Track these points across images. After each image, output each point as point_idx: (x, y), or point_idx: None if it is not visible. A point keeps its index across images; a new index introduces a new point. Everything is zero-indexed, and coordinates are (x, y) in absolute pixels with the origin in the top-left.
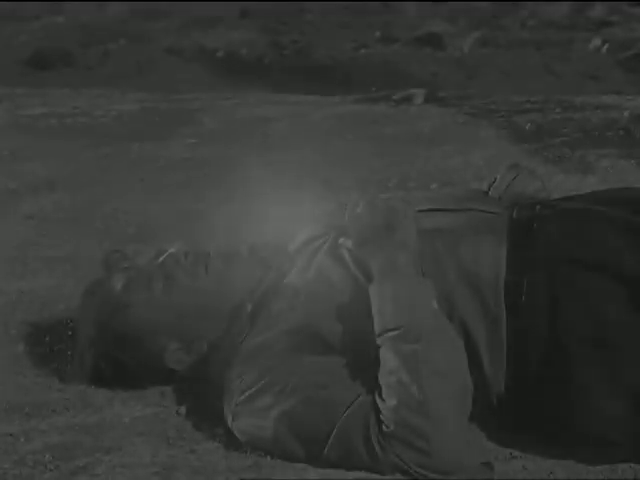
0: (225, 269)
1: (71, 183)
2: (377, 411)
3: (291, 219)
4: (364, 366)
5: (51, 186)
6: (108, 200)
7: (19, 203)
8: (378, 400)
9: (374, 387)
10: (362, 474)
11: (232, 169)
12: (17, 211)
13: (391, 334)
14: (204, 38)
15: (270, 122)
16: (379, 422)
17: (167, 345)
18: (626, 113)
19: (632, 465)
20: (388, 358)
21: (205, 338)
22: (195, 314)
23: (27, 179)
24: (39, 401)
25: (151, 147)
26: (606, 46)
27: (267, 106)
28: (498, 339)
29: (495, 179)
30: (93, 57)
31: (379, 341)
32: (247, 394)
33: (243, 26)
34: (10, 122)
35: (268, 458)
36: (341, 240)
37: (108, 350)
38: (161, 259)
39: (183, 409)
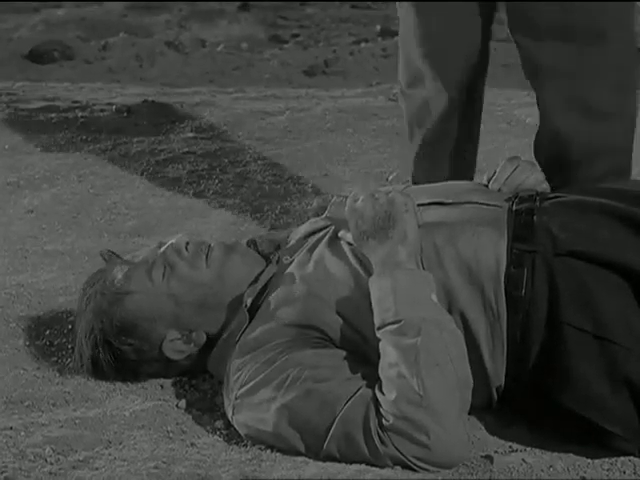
0: (225, 260)
1: (71, 177)
2: (377, 404)
3: (291, 213)
4: (364, 359)
5: (51, 180)
6: (108, 194)
7: (19, 197)
8: (378, 393)
9: (374, 380)
10: (362, 466)
11: (232, 163)
12: (17, 205)
13: (391, 327)
14: (204, 32)
15: (270, 116)
16: (379, 415)
17: (166, 334)
18: None
19: (632, 459)
20: (388, 351)
21: (204, 328)
22: (194, 303)
23: (27, 173)
24: (39, 395)
25: (151, 141)
26: None
27: (267, 100)
28: (498, 332)
29: (495, 172)
30: (93, 51)
31: (379, 334)
32: (247, 387)
33: (243, 20)
34: (10, 116)
35: (268, 451)
36: (341, 233)
37: (107, 338)
38: (162, 249)
39: (183, 403)
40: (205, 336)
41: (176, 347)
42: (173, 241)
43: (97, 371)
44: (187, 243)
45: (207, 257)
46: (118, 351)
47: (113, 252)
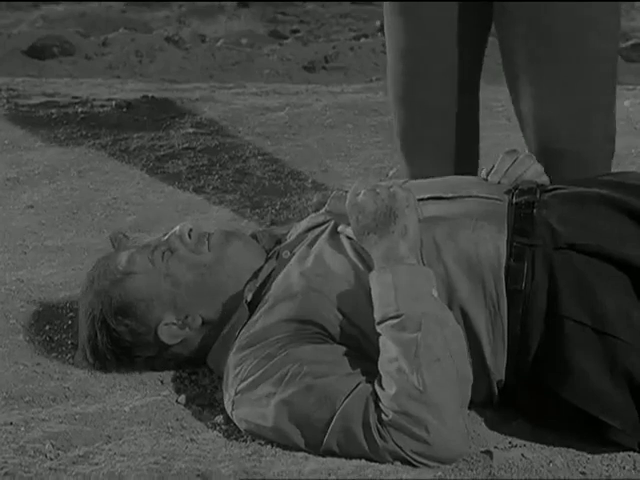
0: (227, 244)
1: (71, 172)
2: (376, 399)
3: (291, 208)
4: (364, 354)
5: (51, 175)
6: (108, 189)
7: (19, 192)
8: (377, 388)
9: (374, 375)
10: (362, 462)
11: (232, 159)
12: (17, 200)
13: (391, 322)
14: (204, 27)
15: (270, 112)
16: (378, 410)
17: (162, 317)
18: (626, 102)
19: (631, 454)
20: (388, 346)
21: (200, 312)
22: (191, 285)
23: (27, 168)
24: (39, 390)
25: (151, 136)
26: None
27: (267, 96)
28: (499, 326)
29: (493, 165)
30: (92, 46)
31: (379, 329)
32: (247, 382)
33: (243, 15)
34: (10, 112)
35: (268, 447)
36: (340, 227)
37: (104, 318)
38: (166, 237)
39: (183, 398)
40: (201, 320)
41: (172, 332)
42: (177, 228)
43: (94, 353)
44: (190, 230)
45: (209, 244)
46: (114, 332)
47: (124, 234)
